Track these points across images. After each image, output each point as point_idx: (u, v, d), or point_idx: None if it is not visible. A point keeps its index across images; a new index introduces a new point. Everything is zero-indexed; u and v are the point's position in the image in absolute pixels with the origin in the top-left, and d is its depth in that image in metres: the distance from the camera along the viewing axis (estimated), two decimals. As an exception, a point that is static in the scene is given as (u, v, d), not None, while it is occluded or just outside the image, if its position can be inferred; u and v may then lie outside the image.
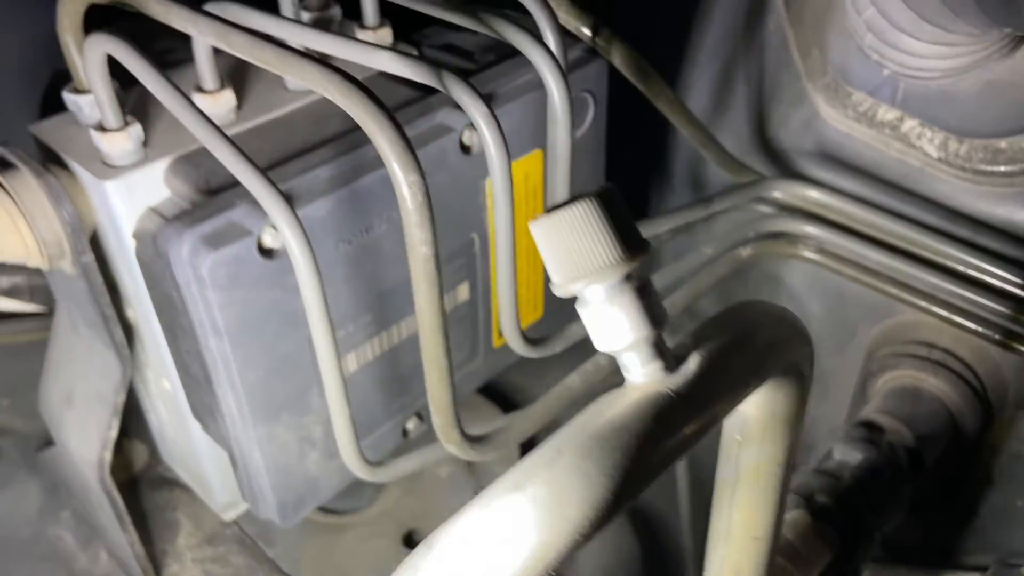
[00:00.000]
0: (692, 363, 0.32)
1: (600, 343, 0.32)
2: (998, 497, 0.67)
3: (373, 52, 0.41)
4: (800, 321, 0.37)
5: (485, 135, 0.40)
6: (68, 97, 0.50)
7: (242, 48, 0.40)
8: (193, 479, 0.64)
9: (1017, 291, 0.58)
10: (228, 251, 0.44)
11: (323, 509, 0.75)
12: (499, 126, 0.39)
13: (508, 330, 0.47)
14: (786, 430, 0.39)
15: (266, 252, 0.46)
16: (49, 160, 0.50)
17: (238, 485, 0.55)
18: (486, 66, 0.57)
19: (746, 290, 0.75)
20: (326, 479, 0.56)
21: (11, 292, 0.83)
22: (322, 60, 0.38)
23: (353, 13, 0.58)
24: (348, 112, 0.37)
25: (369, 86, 0.37)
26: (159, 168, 0.49)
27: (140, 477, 0.73)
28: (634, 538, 0.81)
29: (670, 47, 0.75)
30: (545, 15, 0.46)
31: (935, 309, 0.61)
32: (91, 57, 0.44)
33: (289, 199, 0.42)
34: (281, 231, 0.41)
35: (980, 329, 0.59)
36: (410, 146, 0.37)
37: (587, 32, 0.52)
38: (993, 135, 0.57)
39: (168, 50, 0.57)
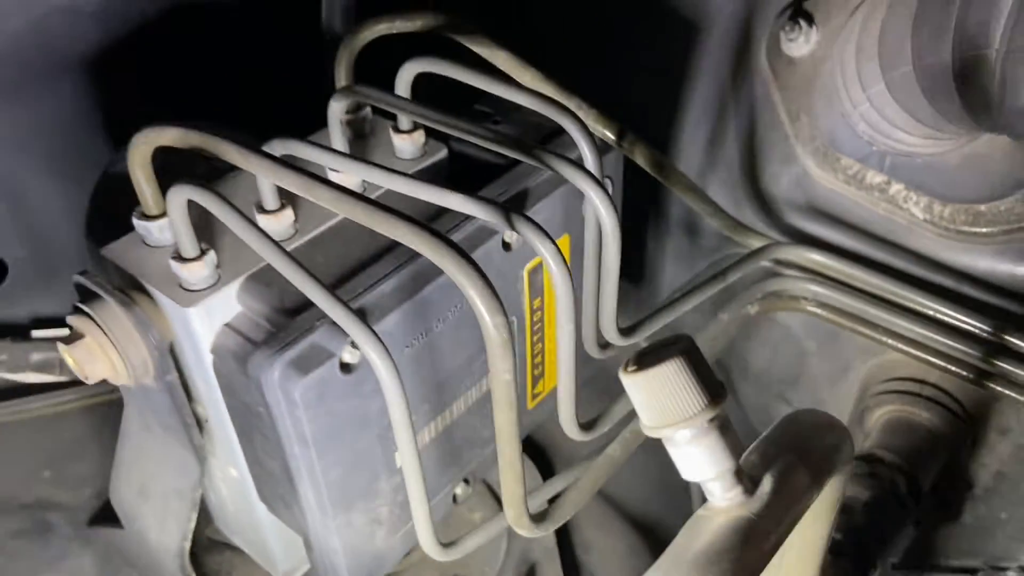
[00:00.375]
0: (766, 485, 0.38)
1: (687, 474, 0.38)
2: (984, 510, 0.74)
3: (445, 194, 0.46)
4: (841, 423, 0.43)
5: (552, 270, 0.44)
6: (139, 224, 0.54)
7: (328, 201, 0.44)
8: (253, 549, 0.68)
9: (992, 337, 0.64)
10: (316, 375, 0.48)
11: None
12: (566, 264, 0.44)
13: (566, 422, 0.52)
14: (831, 511, 0.45)
15: (345, 367, 0.50)
16: (126, 283, 0.53)
17: (312, 565, 0.60)
18: (516, 160, 0.62)
19: (746, 330, 0.81)
20: (391, 552, 0.61)
21: (43, 367, 0.86)
22: (411, 217, 0.42)
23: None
24: (438, 265, 0.42)
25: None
26: (233, 288, 0.53)
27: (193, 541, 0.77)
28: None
29: (662, 103, 0.80)
30: (583, 136, 0.51)
31: (923, 355, 0.67)
32: (174, 204, 0.48)
33: (363, 316, 0.46)
34: (363, 350, 0.46)
35: (962, 372, 0.66)
36: (495, 293, 0.41)
37: (612, 137, 0.57)
38: (974, 200, 0.63)
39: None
